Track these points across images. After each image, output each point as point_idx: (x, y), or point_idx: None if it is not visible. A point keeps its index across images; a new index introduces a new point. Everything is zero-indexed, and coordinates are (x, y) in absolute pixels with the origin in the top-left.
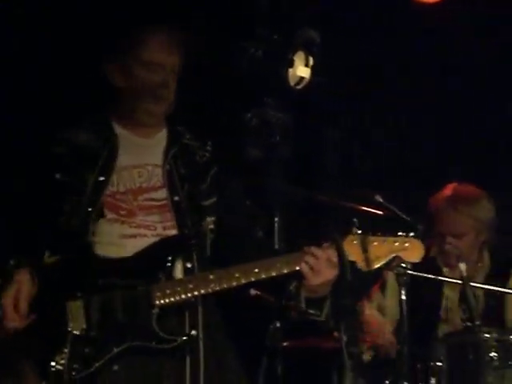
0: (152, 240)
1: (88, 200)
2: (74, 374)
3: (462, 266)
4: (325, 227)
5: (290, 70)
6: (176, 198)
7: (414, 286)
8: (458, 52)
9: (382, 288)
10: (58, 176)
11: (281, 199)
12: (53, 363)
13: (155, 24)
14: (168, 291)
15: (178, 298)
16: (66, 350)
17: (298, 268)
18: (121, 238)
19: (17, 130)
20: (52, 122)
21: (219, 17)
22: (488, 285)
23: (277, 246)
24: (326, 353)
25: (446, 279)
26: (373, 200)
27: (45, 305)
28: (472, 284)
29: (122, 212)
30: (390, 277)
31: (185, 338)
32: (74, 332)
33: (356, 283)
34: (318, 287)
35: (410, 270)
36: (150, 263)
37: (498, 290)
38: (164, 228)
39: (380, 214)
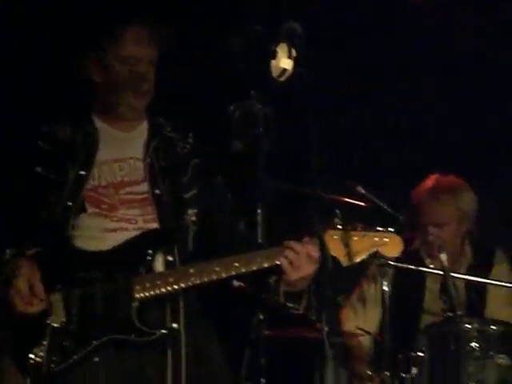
0: (133, 234)
1: (68, 194)
2: (52, 366)
3: (443, 257)
4: (307, 219)
5: (273, 61)
6: (157, 192)
7: (396, 277)
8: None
9: (361, 299)
10: (38, 169)
11: (263, 192)
12: (32, 355)
13: (130, 17)
14: (148, 284)
15: (157, 291)
16: (44, 343)
17: (278, 262)
18: (102, 232)
19: None
20: (34, 116)
21: (203, 8)
22: (470, 276)
23: (260, 240)
24: (308, 343)
25: (428, 270)
26: (355, 191)
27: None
28: (454, 275)
29: (104, 206)
30: (370, 287)
31: (165, 331)
32: (53, 325)
33: (337, 276)
34: (296, 282)
35: (392, 260)
36: (131, 256)
37: (481, 281)
38: (145, 221)
39: (362, 206)
